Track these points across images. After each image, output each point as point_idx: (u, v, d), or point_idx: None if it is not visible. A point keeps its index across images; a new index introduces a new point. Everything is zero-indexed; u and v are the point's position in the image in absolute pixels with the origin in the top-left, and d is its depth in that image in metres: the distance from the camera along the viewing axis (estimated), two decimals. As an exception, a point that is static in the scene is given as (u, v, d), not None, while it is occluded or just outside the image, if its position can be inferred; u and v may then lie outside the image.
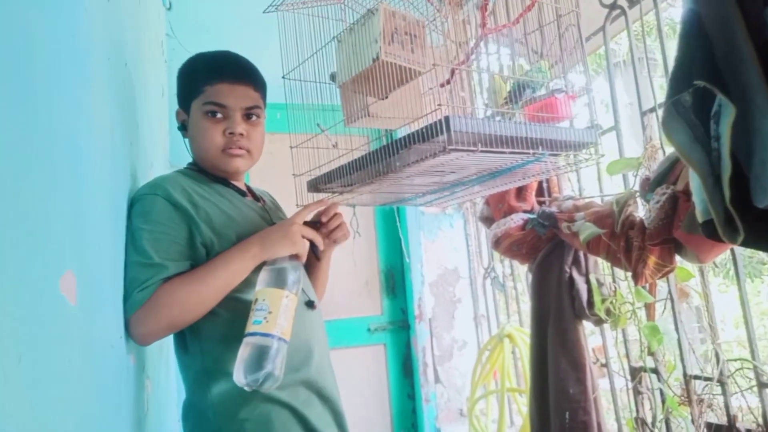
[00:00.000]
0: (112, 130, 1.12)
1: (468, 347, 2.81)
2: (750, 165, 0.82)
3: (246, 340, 1.11)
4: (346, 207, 1.70)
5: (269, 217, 1.35)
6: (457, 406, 2.76)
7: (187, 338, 1.21)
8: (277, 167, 2.72)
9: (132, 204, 1.19)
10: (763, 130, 0.81)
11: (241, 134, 1.27)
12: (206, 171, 1.31)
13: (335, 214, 1.40)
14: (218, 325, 1.16)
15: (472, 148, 1.09)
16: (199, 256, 1.19)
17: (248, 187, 1.42)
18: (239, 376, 1.11)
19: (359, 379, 2.80)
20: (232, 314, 1.18)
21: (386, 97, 1.40)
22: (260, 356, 1.10)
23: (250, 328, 1.12)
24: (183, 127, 1.33)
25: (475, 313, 2.85)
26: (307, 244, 1.26)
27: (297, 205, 1.59)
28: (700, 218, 0.98)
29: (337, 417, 1.29)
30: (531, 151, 1.20)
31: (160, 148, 2.04)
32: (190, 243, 1.18)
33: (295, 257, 1.22)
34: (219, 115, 1.26)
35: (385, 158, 1.23)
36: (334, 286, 2.87)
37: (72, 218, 0.77)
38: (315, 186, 1.50)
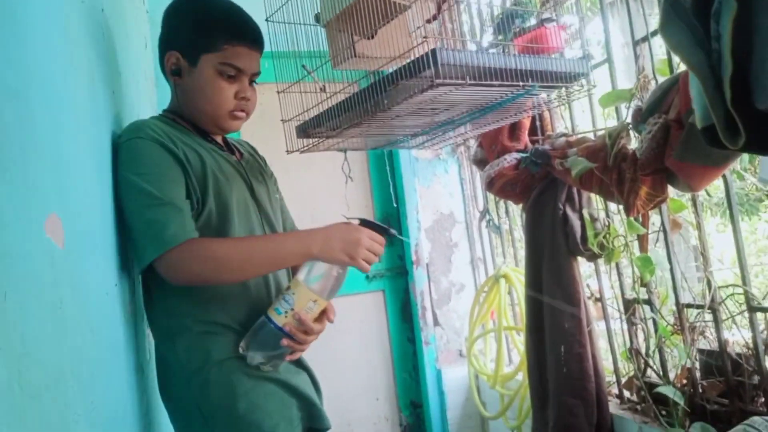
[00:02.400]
0: (92, 76, 1.10)
1: (465, 290, 2.84)
2: (751, 64, 0.80)
3: (263, 321, 1.15)
4: (338, 152, 1.69)
5: (245, 172, 1.32)
6: (457, 348, 2.82)
7: (152, 293, 1.22)
8: (267, 119, 2.69)
9: (116, 151, 1.16)
10: (764, 26, 0.79)
11: (249, 99, 1.28)
12: (187, 120, 1.28)
13: None
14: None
15: (460, 82, 1.07)
16: (192, 203, 1.18)
17: (224, 139, 1.39)
18: (244, 344, 1.16)
19: (360, 326, 2.85)
20: None
21: (373, 36, 1.36)
22: (267, 342, 1.15)
23: (270, 313, 1.15)
24: (176, 72, 1.27)
25: (472, 257, 2.87)
26: (373, 258, 1.19)
27: (287, 151, 1.57)
28: (699, 124, 0.96)
29: (315, 383, 1.33)
30: (521, 83, 1.17)
31: (147, 100, 2.00)
32: (186, 185, 1.17)
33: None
34: (232, 78, 1.24)
35: (372, 97, 1.20)
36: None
37: (52, 161, 0.76)
38: (304, 131, 1.48)
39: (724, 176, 1.40)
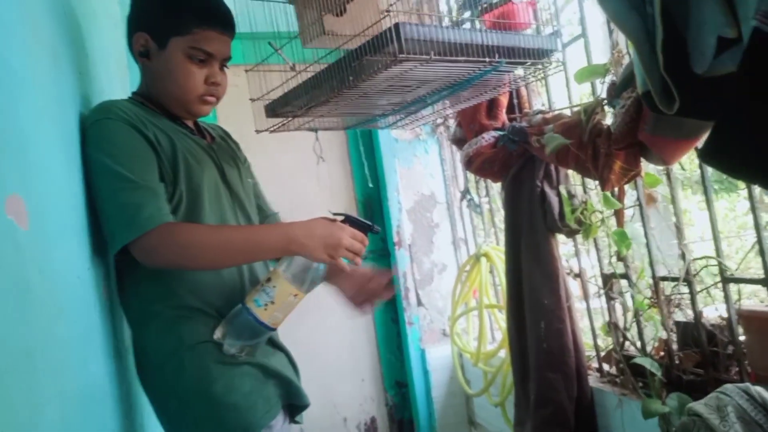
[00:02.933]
0: (56, 56, 1.07)
1: (448, 270, 2.85)
2: (687, 29, 0.81)
3: (241, 310, 1.15)
4: (309, 132, 1.67)
5: (216, 156, 1.30)
6: (440, 327, 2.83)
7: (124, 278, 1.21)
8: (243, 100, 2.66)
9: (83, 132, 1.14)
10: None
11: (219, 84, 1.26)
12: (156, 104, 1.26)
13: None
14: (154, 269, 1.14)
15: (424, 57, 1.05)
16: (164, 187, 1.16)
17: (195, 122, 1.37)
18: (220, 333, 1.15)
19: (344, 308, 2.84)
20: None
21: (342, 13, 1.35)
22: (244, 332, 1.15)
23: (249, 304, 1.14)
24: (145, 54, 1.24)
25: (454, 237, 2.88)
26: (353, 257, 1.18)
27: (257, 131, 1.55)
28: (639, 89, 0.97)
29: (292, 362, 1.32)
30: (488, 59, 1.16)
31: (119, 84, 1.97)
32: (158, 167, 1.15)
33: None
34: (203, 61, 1.22)
35: (338, 74, 1.19)
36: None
37: (11, 140, 0.74)
38: (273, 110, 1.47)
39: (697, 149, 1.41)
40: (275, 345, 1.29)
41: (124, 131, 1.12)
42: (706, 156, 0.91)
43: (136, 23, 1.25)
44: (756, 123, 0.79)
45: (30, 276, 0.74)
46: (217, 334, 1.16)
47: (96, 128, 1.12)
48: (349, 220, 1.21)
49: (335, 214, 1.23)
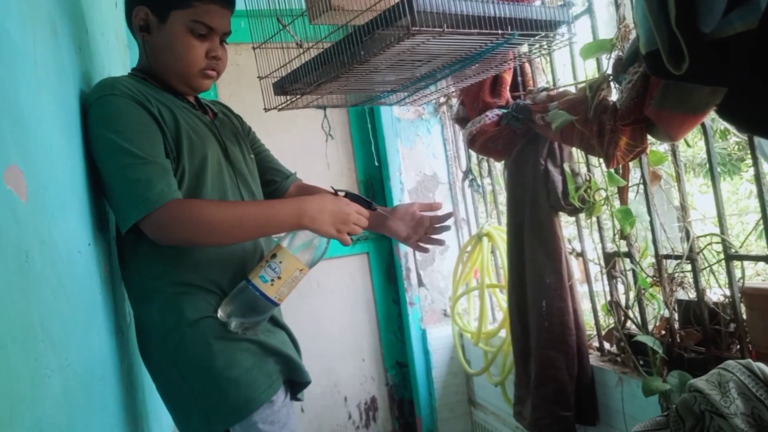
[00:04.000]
0: (55, 30, 1.05)
1: (450, 250, 2.85)
2: None
3: (245, 286, 1.14)
4: (317, 110, 1.66)
5: (218, 132, 1.30)
6: (441, 307, 2.84)
7: (125, 255, 1.21)
8: (245, 79, 2.64)
9: (87, 109, 1.13)
10: None
11: (220, 59, 1.26)
12: (158, 79, 1.25)
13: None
14: (155, 245, 1.13)
15: (437, 29, 1.04)
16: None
17: (197, 99, 1.36)
18: (223, 311, 1.15)
19: (345, 288, 2.86)
20: None
21: (349, -13, 1.32)
22: (249, 308, 1.15)
23: (254, 279, 1.14)
24: (145, 29, 1.22)
25: (456, 217, 2.87)
26: (358, 231, 1.20)
27: (265, 109, 1.54)
28: (643, 49, 0.94)
29: (293, 340, 1.32)
30: (501, 31, 1.15)
31: (119, 61, 1.95)
32: (163, 143, 1.14)
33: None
34: (203, 35, 1.21)
35: (349, 49, 1.17)
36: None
37: (9, 112, 0.73)
38: (281, 87, 1.45)
39: (703, 126, 1.40)
40: (276, 323, 1.29)
41: (129, 107, 1.11)
42: (725, 113, 0.88)
43: None
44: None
45: (30, 248, 0.73)
46: (221, 314, 1.16)
47: (100, 105, 1.11)
48: (350, 196, 1.22)
49: (336, 190, 1.24)
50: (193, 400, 1.16)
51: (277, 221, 1.14)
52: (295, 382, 1.28)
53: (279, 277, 1.13)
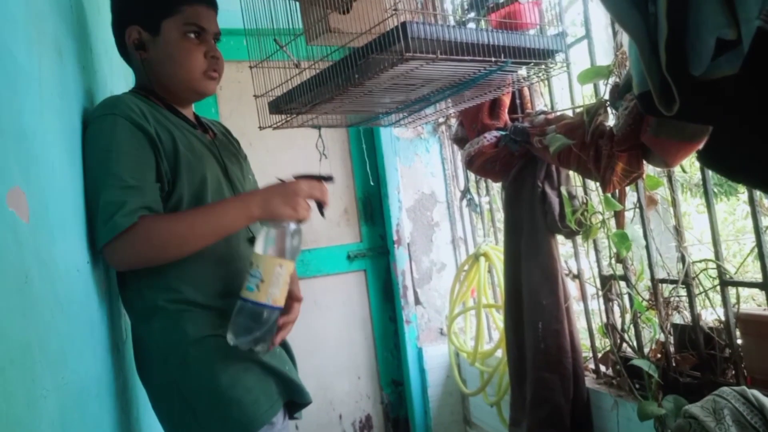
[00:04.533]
0: (60, 51, 1.07)
1: (447, 269, 2.85)
2: (686, 29, 0.80)
3: (240, 304, 1.14)
4: (312, 129, 1.67)
5: (218, 152, 1.30)
6: (438, 326, 2.84)
7: (125, 273, 1.20)
8: (245, 97, 2.66)
9: (87, 125, 1.14)
10: None
11: (219, 58, 1.27)
12: (158, 96, 1.26)
13: None
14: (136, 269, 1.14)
15: (430, 56, 1.06)
16: (162, 186, 1.16)
17: (197, 117, 1.37)
18: (230, 335, 1.14)
19: (341, 305, 2.86)
20: None
21: (348, 11, 1.35)
22: (250, 322, 1.13)
23: (243, 293, 1.13)
24: (140, 47, 1.24)
25: (453, 236, 2.88)
26: (311, 207, 1.19)
27: (260, 127, 1.56)
28: (636, 90, 0.96)
29: (290, 354, 1.32)
30: (493, 59, 1.17)
31: (122, 78, 1.97)
32: (156, 167, 1.15)
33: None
34: (198, 38, 1.24)
35: (344, 72, 1.19)
36: (313, 216, 2.86)
37: (13, 133, 0.74)
38: (277, 106, 1.47)
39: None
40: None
41: (125, 129, 1.12)
42: (706, 159, 0.91)
43: (123, 20, 1.25)
44: (754, 127, 0.79)
45: (30, 269, 0.74)
46: (230, 337, 1.14)
47: (99, 123, 1.12)
48: (299, 177, 1.21)
49: (281, 179, 1.22)
50: (194, 421, 1.14)
51: (228, 220, 1.13)
52: (294, 402, 1.27)
53: (262, 281, 1.12)
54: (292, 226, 1.16)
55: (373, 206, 2.91)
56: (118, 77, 1.85)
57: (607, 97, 1.51)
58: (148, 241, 1.08)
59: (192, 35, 1.22)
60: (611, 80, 1.50)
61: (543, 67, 1.26)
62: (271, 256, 1.14)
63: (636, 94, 0.98)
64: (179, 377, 1.15)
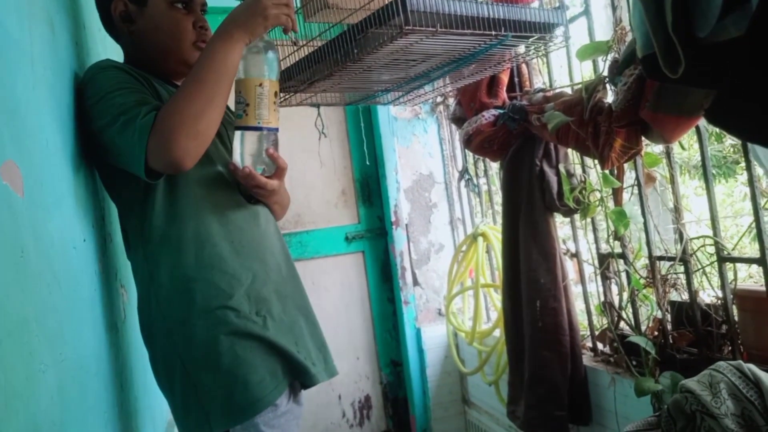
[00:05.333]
0: (53, 27, 1.05)
1: (445, 250, 2.86)
2: None
3: (236, 134, 1.16)
4: (311, 108, 1.66)
5: None
6: (436, 306, 2.85)
7: (131, 241, 1.18)
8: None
9: (83, 88, 1.12)
10: None
11: (208, 29, 1.25)
12: (148, 70, 1.23)
13: None
14: (157, 228, 1.13)
15: (430, 29, 1.04)
16: None
17: None
18: (235, 161, 1.16)
19: (340, 287, 2.86)
20: (169, 217, 1.15)
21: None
22: (251, 146, 1.15)
23: (236, 122, 1.16)
24: (127, 19, 1.21)
25: (451, 217, 2.88)
26: (285, 9, 1.13)
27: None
28: (640, 53, 0.95)
29: (314, 328, 1.29)
30: (494, 32, 1.15)
31: (115, 55, 1.94)
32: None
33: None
34: (186, 8, 1.21)
35: (342, 47, 1.18)
36: (311, 198, 2.86)
37: (5, 107, 0.73)
38: (276, 84, 1.46)
39: (698, 129, 1.40)
40: (301, 309, 1.27)
41: (119, 74, 1.12)
42: (713, 117, 0.89)
43: None
44: (759, 90, 0.78)
45: (26, 244, 0.73)
46: (233, 165, 1.16)
47: (92, 81, 1.11)
48: None
49: None
50: (194, 397, 1.11)
51: (220, 57, 1.09)
52: (303, 383, 1.23)
53: (247, 104, 1.13)
54: (260, 43, 1.15)
55: (371, 187, 2.91)
56: (111, 55, 1.82)
57: (606, 73, 1.50)
58: (174, 117, 1.03)
59: (179, 5, 1.20)
60: (610, 56, 1.49)
61: (543, 41, 1.25)
62: (248, 78, 1.13)
63: (640, 57, 0.97)
64: (183, 351, 1.12)
